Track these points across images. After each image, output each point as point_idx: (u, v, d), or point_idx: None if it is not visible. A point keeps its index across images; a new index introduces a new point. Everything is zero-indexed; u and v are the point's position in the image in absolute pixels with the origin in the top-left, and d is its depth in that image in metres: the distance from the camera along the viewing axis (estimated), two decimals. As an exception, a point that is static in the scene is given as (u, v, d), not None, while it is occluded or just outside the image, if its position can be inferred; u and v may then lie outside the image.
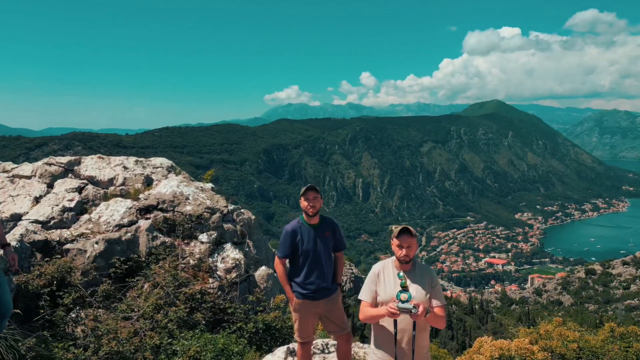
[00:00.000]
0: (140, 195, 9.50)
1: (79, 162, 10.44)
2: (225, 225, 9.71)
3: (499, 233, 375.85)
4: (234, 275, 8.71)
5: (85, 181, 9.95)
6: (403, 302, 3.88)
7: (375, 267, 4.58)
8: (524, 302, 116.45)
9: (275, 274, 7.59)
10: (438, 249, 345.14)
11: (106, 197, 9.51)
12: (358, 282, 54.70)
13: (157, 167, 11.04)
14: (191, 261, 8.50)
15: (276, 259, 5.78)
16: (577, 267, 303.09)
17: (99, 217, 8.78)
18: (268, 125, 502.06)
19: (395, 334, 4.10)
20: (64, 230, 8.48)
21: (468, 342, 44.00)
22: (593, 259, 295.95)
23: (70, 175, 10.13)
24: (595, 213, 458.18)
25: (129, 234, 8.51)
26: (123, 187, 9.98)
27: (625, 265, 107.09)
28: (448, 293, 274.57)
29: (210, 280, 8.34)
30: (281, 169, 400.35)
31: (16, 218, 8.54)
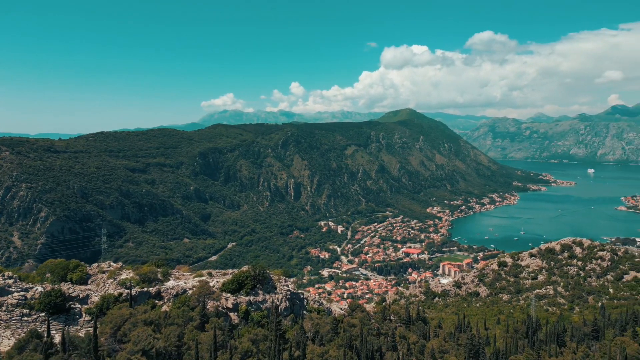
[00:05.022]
0: None
1: None
2: None
3: (413, 225, 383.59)
4: None
5: None
6: None
7: None
8: (445, 295, 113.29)
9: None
10: (362, 242, 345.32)
11: None
12: (295, 300, 45.45)
13: None
14: None
15: None
16: (479, 253, 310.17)
17: None
18: (204, 130, 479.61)
19: None
20: None
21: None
22: (492, 245, 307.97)
23: None
24: (492, 206, 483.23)
25: None
26: None
27: (532, 257, 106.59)
28: (372, 282, 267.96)
29: None
30: (217, 171, 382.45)
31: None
